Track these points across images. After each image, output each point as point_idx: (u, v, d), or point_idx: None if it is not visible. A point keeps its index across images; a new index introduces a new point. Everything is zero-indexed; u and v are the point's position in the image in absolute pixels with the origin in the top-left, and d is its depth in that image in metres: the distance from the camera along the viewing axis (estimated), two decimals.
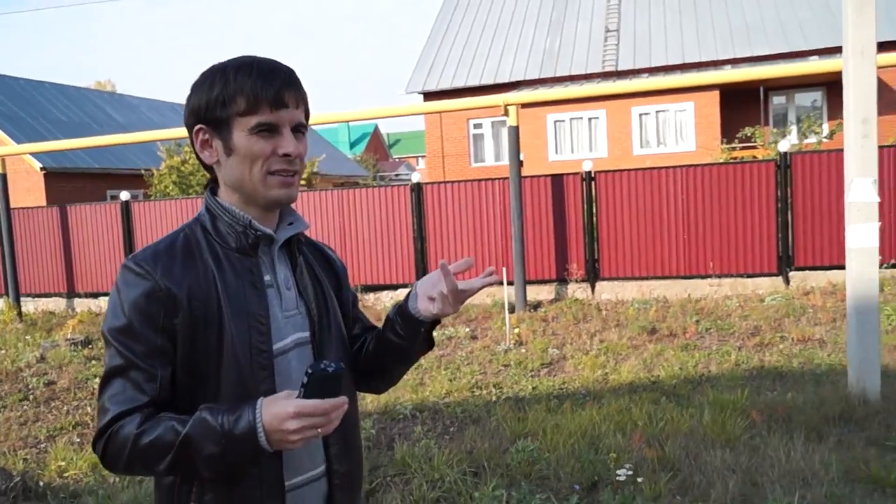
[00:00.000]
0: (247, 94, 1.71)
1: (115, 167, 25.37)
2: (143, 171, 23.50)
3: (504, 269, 10.18)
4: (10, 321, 14.25)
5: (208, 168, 1.87)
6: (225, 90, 1.73)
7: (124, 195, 15.23)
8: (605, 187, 12.78)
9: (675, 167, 12.69)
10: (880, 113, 21.50)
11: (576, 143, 22.54)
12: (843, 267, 11.14)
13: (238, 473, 1.72)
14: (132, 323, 1.68)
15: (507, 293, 12.74)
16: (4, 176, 14.59)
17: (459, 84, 23.77)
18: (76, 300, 15.61)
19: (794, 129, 22.18)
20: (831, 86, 22.27)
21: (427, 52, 25.45)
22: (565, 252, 12.98)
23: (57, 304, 15.78)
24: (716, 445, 5.97)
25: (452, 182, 13.63)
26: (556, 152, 22.53)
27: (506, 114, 12.33)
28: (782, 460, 5.62)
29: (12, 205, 18.93)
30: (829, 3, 22.44)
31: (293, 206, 1.92)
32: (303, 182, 23.08)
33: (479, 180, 13.59)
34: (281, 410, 1.55)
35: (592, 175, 12.85)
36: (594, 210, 12.82)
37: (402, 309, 1.95)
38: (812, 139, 19.95)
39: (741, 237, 12.31)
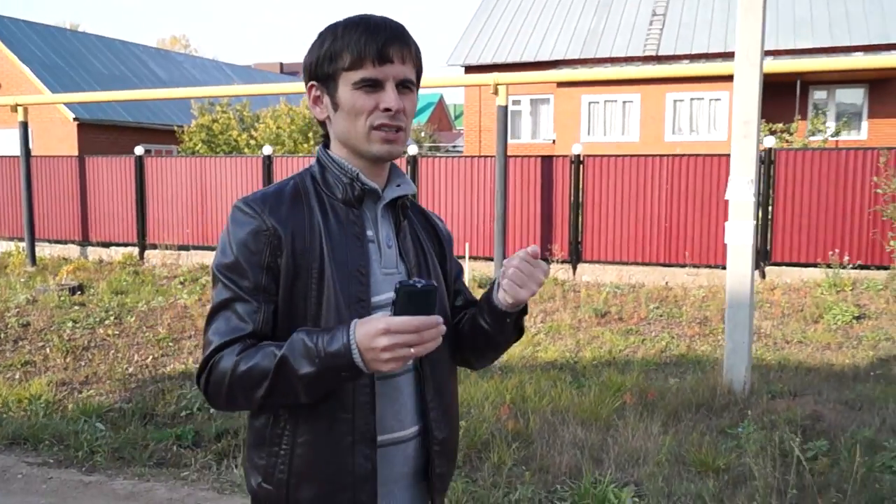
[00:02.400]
0: (351, 49, 1.74)
1: (150, 121, 26.06)
2: (175, 128, 24.28)
3: (467, 245, 10.58)
4: (20, 265, 15.05)
5: (322, 124, 1.92)
6: (333, 46, 1.77)
7: (138, 150, 15.89)
8: (593, 171, 13.03)
9: (661, 156, 12.88)
10: None
11: (609, 125, 22.64)
12: (817, 265, 11.31)
13: (334, 405, 1.76)
14: (239, 260, 1.74)
15: (477, 268, 13.14)
16: (26, 124, 15.27)
17: (500, 60, 24.00)
18: (89, 248, 16.38)
19: (832, 124, 21.92)
20: (874, 83, 21.90)
21: (473, 26, 25.71)
22: (550, 232, 13.29)
23: (71, 251, 16.56)
24: (578, 423, 6.32)
25: (446, 156, 14.03)
26: (589, 133, 22.67)
27: (496, 93, 12.65)
28: (629, 439, 5.97)
29: (45, 152, 19.94)
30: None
31: (402, 169, 2.04)
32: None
33: (473, 157, 13.97)
34: (371, 328, 1.57)
35: (581, 158, 13.11)
36: (581, 193, 13.09)
37: (487, 298, 1.93)
38: (844, 135, 19.71)
39: (721, 229, 12.43)
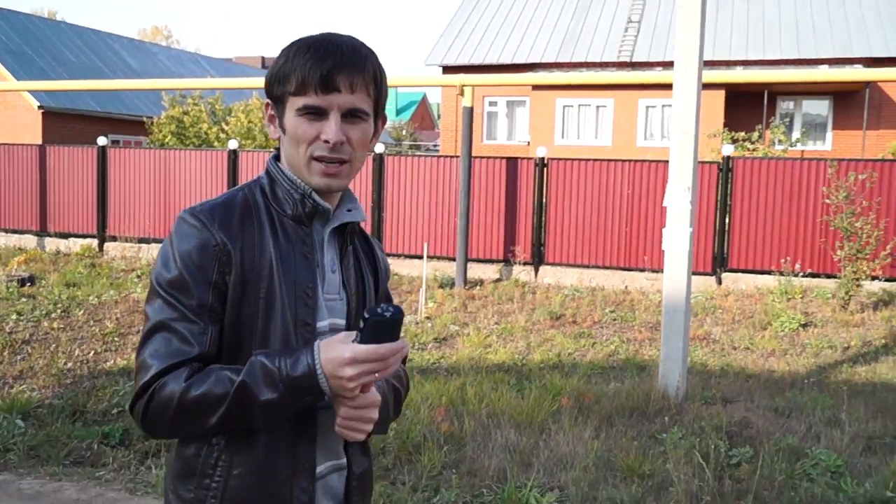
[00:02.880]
0: (297, 74, 1.68)
1: (120, 112, 25.90)
2: (144, 119, 24.26)
3: (425, 245, 10.68)
4: None
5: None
6: (283, 68, 1.71)
7: (101, 140, 15.80)
8: (557, 174, 13.17)
9: (623, 161, 13.06)
10: (883, 126, 21.45)
11: (582, 129, 22.81)
12: (771, 272, 11.48)
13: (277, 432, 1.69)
14: (184, 275, 1.64)
15: (440, 268, 13.25)
16: None
17: (478, 61, 24.13)
18: (47, 239, 16.20)
19: (798, 134, 22.22)
20: (839, 95, 22.21)
21: (452, 27, 25.83)
22: (513, 234, 13.42)
23: (28, 241, 16.37)
24: (513, 426, 6.41)
25: (413, 156, 14.15)
26: (563, 137, 22.85)
27: (461, 94, 12.78)
28: (560, 444, 6.08)
29: (9, 140, 19.63)
30: (846, 12, 22.28)
31: (368, 168, 2.05)
32: None
33: (439, 156, 14.10)
34: (337, 356, 1.54)
35: (546, 161, 13.24)
36: (544, 195, 13.22)
37: None
38: (810, 146, 19.98)
39: None
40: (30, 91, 22.21)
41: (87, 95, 24.76)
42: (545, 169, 13.25)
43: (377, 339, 1.55)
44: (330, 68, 1.66)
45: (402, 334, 1.61)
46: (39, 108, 23.62)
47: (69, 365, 8.10)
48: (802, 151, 22.21)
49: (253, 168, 14.71)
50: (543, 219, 13.29)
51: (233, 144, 15.03)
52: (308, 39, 1.73)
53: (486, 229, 13.52)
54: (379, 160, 13.99)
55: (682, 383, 6.82)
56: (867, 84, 21.09)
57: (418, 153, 32.16)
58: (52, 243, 16.14)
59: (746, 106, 21.89)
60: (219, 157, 15.08)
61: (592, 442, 6.03)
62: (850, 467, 5.66)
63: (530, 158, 13.43)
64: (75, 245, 15.81)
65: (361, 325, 1.55)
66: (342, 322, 1.82)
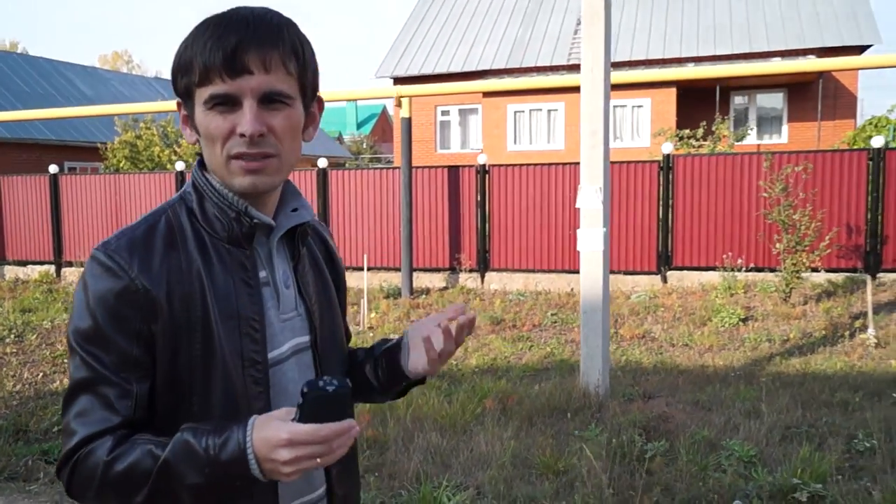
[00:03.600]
0: (198, 59, 1.41)
1: (74, 139, 25.84)
2: (98, 145, 24.09)
3: (365, 256, 10.62)
4: None
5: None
6: (184, 54, 1.44)
7: (52, 168, 15.90)
8: (498, 181, 13.14)
9: (562, 164, 13.03)
10: (839, 117, 21.59)
11: (535, 134, 22.85)
12: (715, 268, 11.50)
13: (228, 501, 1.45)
14: (100, 327, 1.42)
15: (387, 279, 13.19)
16: None
17: (428, 70, 24.12)
18: (6, 267, 16.29)
19: (753, 129, 22.38)
20: (793, 87, 22.36)
21: (402, 38, 25.82)
22: (458, 241, 13.37)
23: None
24: (437, 429, 6.38)
25: (355, 169, 14.10)
26: (515, 143, 22.86)
27: (398, 105, 12.75)
28: (480, 444, 6.04)
29: None
30: (798, 4, 22.46)
31: (312, 183, 1.78)
32: None
33: (383, 168, 14.03)
34: (273, 435, 1.30)
35: (487, 168, 13.22)
36: (487, 202, 13.20)
37: (390, 357, 1.73)
38: (766, 139, 20.06)
39: (624, 235, 12.62)
40: None
41: (40, 124, 24.65)
42: (486, 176, 13.22)
43: (319, 418, 1.31)
44: (234, 45, 1.39)
45: (352, 411, 1.38)
46: None
47: (18, 387, 8.17)
48: (759, 146, 22.38)
49: None
50: (487, 225, 13.26)
51: (180, 166, 15.04)
52: (211, 17, 1.46)
53: (432, 238, 13.47)
54: (322, 175, 13.92)
55: (603, 381, 6.79)
56: (820, 75, 21.22)
57: (376, 166, 32.14)
58: (10, 271, 16.22)
59: (699, 103, 21.98)
60: (167, 179, 15.05)
61: (510, 442, 5.98)
62: (765, 457, 5.65)
63: (471, 166, 13.40)
64: (33, 272, 15.92)
65: (300, 400, 1.32)
66: (305, 339, 1.62)
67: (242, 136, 1.42)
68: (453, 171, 13.43)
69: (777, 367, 8.22)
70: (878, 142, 11.51)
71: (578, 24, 24.37)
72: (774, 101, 22.97)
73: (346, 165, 34.16)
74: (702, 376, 7.95)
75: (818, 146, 21.16)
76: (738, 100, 23.06)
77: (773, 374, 7.94)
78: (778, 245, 10.79)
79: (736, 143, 21.32)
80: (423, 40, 25.47)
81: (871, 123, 19.07)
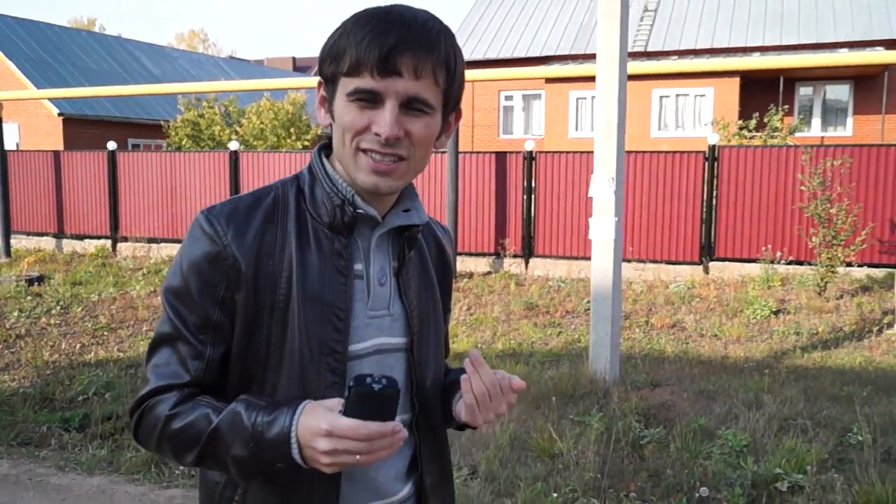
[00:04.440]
0: (352, 51, 1.42)
1: (138, 116, 26.43)
2: (161, 123, 24.76)
3: None
4: None
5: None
6: (338, 43, 1.45)
7: (111, 145, 16.37)
8: (545, 167, 13.30)
9: None
10: None
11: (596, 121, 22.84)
12: (757, 260, 11.51)
13: (281, 478, 1.49)
14: (189, 287, 1.48)
15: None
16: (0, 120, 15.46)
17: (493, 55, 24.28)
18: (64, 241, 16.85)
19: (809, 121, 22.03)
20: (860, 80, 21.92)
21: (468, 22, 26.03)
22: (504, 227, 13.59)
23: (47, 243, 17.04)
24: None
25: None
26: (577, 129, 22.90)
27: None
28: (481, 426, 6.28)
29: (33, 147, 20.37)
30: None
31: (413, 187, 1.63)
32: (307, 143, 24.14)
33: (434, 152, 14.27)
34: (315, 424, 1.32)
35: (534, 155, 13.39)
36: (533, 189, 13.38)
37: (446, 397, 1.68)
38: (831, 132, 19.75)
39: (667, 225, 12.68)
40: (49, 99, 22.85)
41: (106, 101, 25.31)
42: (533, 162, 13.39)
43: (363, 415, 1.29)
44: (391, 46, 1.39)
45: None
46: (59, 114, 24.24)
47: (55, 357, 8.52)
48: (822, 138, 22.03)
49: (253, 169, 15.07)
50: (533, 211, 13.43)
51: (234, 146, 15.39)
52: (372, 10, 1.45)
53: (477, 223, 13.70)
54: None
55: (612, 368, 6.97)
56: (886, 67, 20.78)
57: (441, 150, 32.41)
58: (69, 245, 16.75)
59: (763, 93, 21.72)
60: (221, 159, 15.46)
61: (510, 425, 6.22)
62: (757, 446, 5.78)
63: (519, 152, 13.58)
64: (90, 246, 16.37)
65: (347, 393, 1.30)
66: (395, 341, 1.59)
67: (377, 135, 1.42)
68: (500, 156, 13.64)
69: (797, 360, 8.28)
70: None
71: (645, 10, 24.27)
72: (840, 92, 22.57)
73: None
74: (719, 366, 8.05)
75: (882, 139, 20.75)
76: (803, 90, 22.70)
77: (791, 366, 8.00)
78: (814, 239, 10.75)
79: (797, 135, 21.04)
80: (489, 25, 25.62)
81: None
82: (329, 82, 1.49)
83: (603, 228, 6.77)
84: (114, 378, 7.56)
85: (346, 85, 1.44)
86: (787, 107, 18.20)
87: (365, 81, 1.41)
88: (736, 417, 6.36)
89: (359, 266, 1.55)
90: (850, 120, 22.17)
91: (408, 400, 1.63)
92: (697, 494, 5.00)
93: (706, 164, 12.51)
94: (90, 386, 7.18)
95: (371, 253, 1.56)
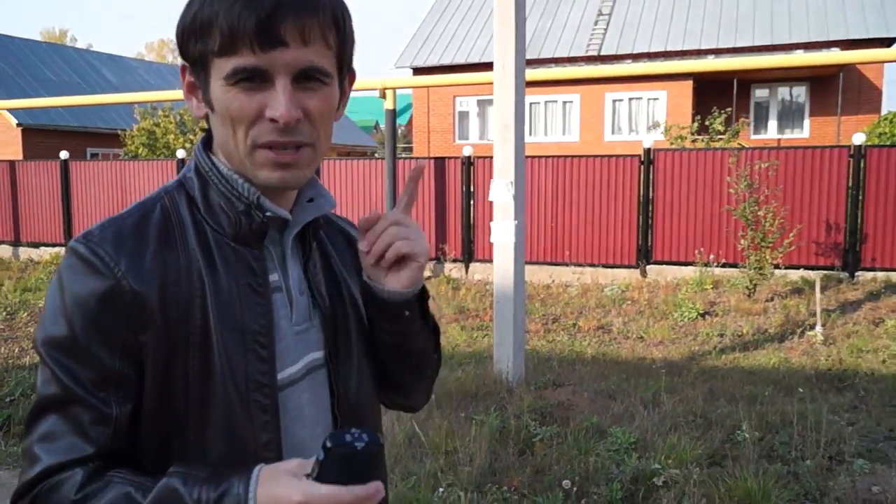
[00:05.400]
0: (221, 22, 1.16)
1: (96, 126, 26.66)
2: (119, 132, 24.80)
3: None
4: None
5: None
6: (201, 13, 1.19)
7: (63, 154, 16.55)
8: (483, 172, 13.35)
9: (547, 157, 13.20)
10: (863, 111, 21.26)
11: (550, 126, 22.97)
12: (693, 263, 11.60)
13: None
14: (77, 336, 1.18)
15: None
16: None
17: (448, 61, 24.34)
18: (21, 248, 16.99)
19: (774, 122, 22.22)
20: (815, 81, 22.14)
21: (423, 28, 26.08)
22: (444, 232, 13.62)
23: (5, 250, 17.18)
24: None
25: (340, 159, 14.42)
26: (531, 134, 22.98)
27: (383, 96, 13.00)
28: (384, 425, 6.30)
29: None
30: None
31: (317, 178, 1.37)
32: None
33: (370, 159, 14.32)
34: (284, 495, 1.07)
35: (472, 159, 13.43)
36: (472, 193, 13.42)
37: (369, 293, 1.39)
38: (788, 134, 19.90)
39: (605, 228, 12.76)
40: (8, 109, 22.87)
41: (63, 111, 25.47)
42: (471, 167, 13.43)
43: (343, 479, 1.07)
44: (270, 10, 1.14)
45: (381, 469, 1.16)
46: (18, 125, 24.45)
47: None
48: (779, 140, 22.22)
49: None
50: (472, 216, 13.47)
51: (181, 154, 15.56)
52: None
53: None
54: None
55: (515, 368, 7.00)
56: (842, 68, 20.97)
57: (403, 156, 32.46)
58: (24, 252, 16.93)
59: (718, 96, 21.87)
60: (168, 167, 15.59)
61: (410, 422, 6.24)
62: (647, 444, 5.83)
63: (457, 157, 13.62)
64: (45, 253, 16.57)
65: (320, 455, 1.07)
66: (319, 355, 1.37)
67: (273, 121, 1.19)
68: (439, 162, 13.68)
69: (712, 361, 8.35)
70: (858, 139, 11.49)
71: (599, 14, 24.41)
72: (796, 94, 22.77)
73: (376, 155, 34.52)
74: (632, 368, 8.11)
75: (838, 141, 20.94)
76: (759, 93, 22.90)
77: (704, 367, 8.07)
78: (742, 241, 10.85)
79: (753, 137, 21.22)
80: (444, 31, 25.69)
81: (886, 119, 18.82)
82: (197, 65, 1.23)
83: (503, 232, 6.81)
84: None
85: (222, 67, 1.18)
86: (729, 109, 18.30)
87: (245, 59, 1.16)
88: (632, 416, 6.40)
89: (275, 277, 1.32)
90: (806, 122, 22.37)
91: (329, 415, 1.38)
92: (561, 488, 5.03)
93: (642, 167, 12.60)
94: (17, 387, 7.30)
95: (287, 258, 1.34)
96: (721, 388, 7.19)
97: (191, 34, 1.21)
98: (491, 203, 13.13)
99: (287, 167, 1.22)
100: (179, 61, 1.30)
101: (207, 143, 1.33)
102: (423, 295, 1.42)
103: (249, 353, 1.24)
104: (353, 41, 1.29)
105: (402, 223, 1.32)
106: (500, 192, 6.77)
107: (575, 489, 5.09)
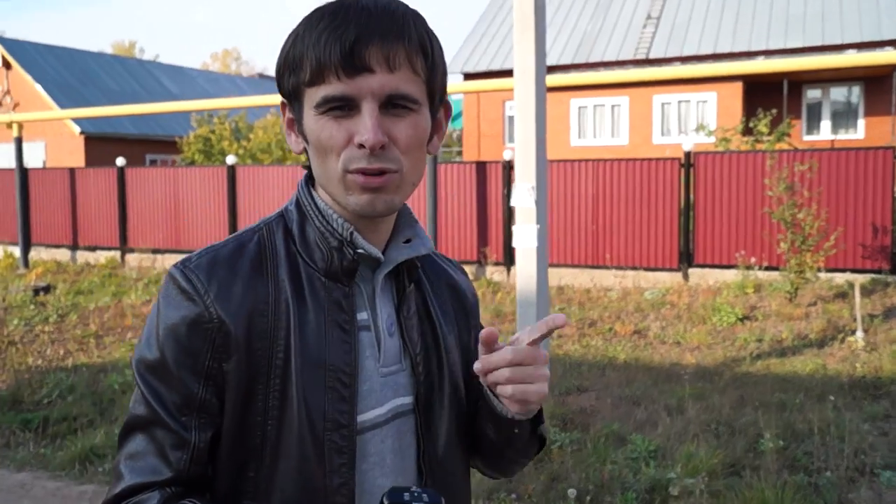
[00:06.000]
0: (310, 54, 1.20)
1: (155, 133, 27.41)
2: (176, 139, 25.32)
3: None
4: (10, 267, 16.21)
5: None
6: (293, 50, 1.23)
7: (119, 161, 16.98)
8: None
9: (586, 160, 13.11)
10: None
11: (598, 128, 22.83)
12: (736, 267, 11.44)
13: None
14: (166, 360, 1.22)
15: None
16: (20, 139, 16.47)
17: (497, 66, 24.30)
18: (78, 252, 17.40)
19: (828, 123, 21.79)
20: (870, 81, 21.65)
21: (474, 33, 26.10)
22: (485, 236, 13.62)
23: (64, 254, 17.62)
24: None
25: None
26: (579, 137, 22.88)
27: None
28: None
29: (57, 164, 21.32)
30: None
31: (414, 214, 1.39)
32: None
33: None
34: None
35: (511, 164, 13.40)
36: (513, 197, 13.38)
37: (486, 403, 1.37)
38: (842, 135, 19.47)
39: (646, 232, 12.63)
40: (72, 118, 23.63)
41: (125, 120, 26.30)
42: (511, 171, 13.40)
43: None
44: (354, 39, 1.17)
45: None
46: (81, 133, 25.28)
47: (38, 362, 8.87)
48: (833, 141, 21.76)
49: (249, 182, 15.35)
50: (512, 220, 13.42)
51: (230, 160, 15.74)
52: (324, 6, 1.24)
53: (460, 231, 13.75)
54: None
55: None
56: (895, 67, 20.47)
57: (455, 160, 32.51)
58: (82, 256, 17.32)
59: (769, 97, 21.51)
60: (219, 173, 15.82)
61: None
62: (665, 452, 5.77)
63: (497, 162, 13.62)
64: (101, 257, 16.95)
65: None
66: (408, 400, 1.34)
67: (361, 146, 1.19)
68: (480, 166, 13.68)
69: (746, 367, 8.21)
70: None
71: (648, 17, 24.17)
72: (850, 94, 22.30)
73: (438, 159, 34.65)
74: (664, 374, 8.01)
75: (892, 142, 20.44)
76: (811, 93, 22.47)
77: (739, 373, 7.95)
78: (782, 244, 10.65)
79: (805, 139, 20.83)
80: (495, 36, 25.67)
81: None
82: (293, 99, 1.27)
83: (526, 236, 6.79)
84: (77, 382, 7.88)
85: (312, 96, 1.22)
86: (774, 111, 17.98)
87: (333, 87, 1.19)
88: (655, 423, 6.34)
89: (363, 315, 1.31)
90: (861, 122, 21.89)
91: (414, 466, 1.35)
92: (567, 496, 5.00)
93: (682, 170, 12.45)
94: (55, 389, 7.55)
95: (377, 297, 1.33)
96: (751, 395, 7.07)
97: (285, 70, 1.25)
98: (546, 203, 13.14)
99: (375, 191, 1.22)
100: (280, 99, 1.34)
101: (310, 178, 1.35)
102: (537, 418, 1.41)
103: (329, 391, 1.24)
104: (444, 70, 1.30)
105: (523, 363, 1.23)
106: (522, 196, 6.76)
107: (588, 497, 5.05)
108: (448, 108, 1.36)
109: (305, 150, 1.30)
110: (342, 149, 1.21)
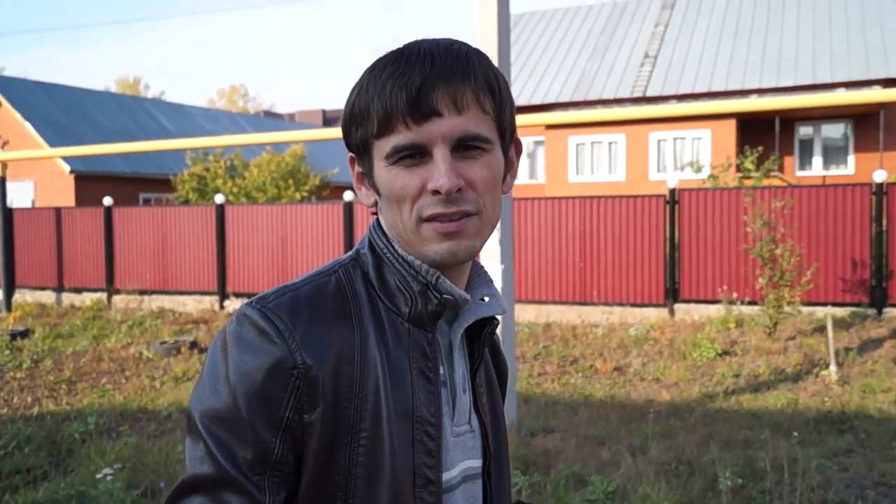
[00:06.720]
0: (377, 104, 1.16)
1: (149, 171, 27.06)
2: (170, 177, 25.37)
3: None
4: None
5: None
6: (359, 102, 1.20)
7: (106, 200, 16.87)
8: (521, 213, 13.44)
9: (573, 198, 13.26)
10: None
11: (596, 165, 23.02)
12: (720, 302, 11.55)
13: None
14: (239, 409, 1.10)
15: None
16: (3, 179, 15.97)
17: None
18: (63, 294, 17.24)
19: (819, 159, 21.96)
20: (859, 118, 21.87)
21: None
22: None
23: (49, 296, 17.43)
24: None
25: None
26: (577, 173, 23.08)
27: None
28: None
29: (46, 204, 21.08)
30: (865, 34, 21.99)
31: (485, 271, 1.35)
32: (306, 193, 24.58)
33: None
34: None
35: (510, 200, 13.56)
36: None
37: None
38: (833, 170, 19.60)
39: (632, 268, 12.75)
40: (62, 157, 23.52)
41: (117, 158, 25.97)
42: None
43: None
44: (419, 84, 1.13)
45: None
46: (71, 172, 24.87)
47: (3, 411, 8.72)
48: (824, 177, 21.93)
49: (239, 221, 15.43)
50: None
51: (219, 199, 15.77)
52: (386, 55, 1.20)
53: None
54: (349, 209, 14.52)
55: (507, 414, 7.05)
56: (883, 106, 20.70)
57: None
58: (67, 298, 17.13)
59: (762, 134, 21.74)
60: (208, 212, 15.85)
61: None
62: (625, 494, 5.83)
63: None
64: (87, 299, 16.74)
65: None
66: (477, 464, 1.29)
67: (436, 192, 1.15)
68: None
69: (718, 403, 8.27)
70: (879, 176, 11.36)
71: (646, 56, 24.45)
72: (840, 131, 22.58)
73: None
74: (635, 411, 8.08)
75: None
76: (803, 130, 22.73)
77: (710, 409, 8.01)
78: (760, 280, 10.77)
79: (798, 174, 20.99)
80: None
81: None
82: (361, 152, 1.23)
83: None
84: (36, 432, 7.76)
85: (382, 147, 1.17)
86: (761, 148, 18.18)
87: (402, 136, 1.15)
88: (618, 463, 6.40)
89: (441, 370, 1.24)
90: (851, 158, 22.09)
91: None
92: None
93: (667, 207, 12.59)
94: (12, 440, 7.36)
95: (454, 352, 1.26)
96: (719, 432, 7.12)
97: (351, 123, 1.22)
98: (534, 241, 13.29)
99: (453, 236, 1.17)
100: (347, 151, 1.31)
101: (380, 225, 1.29)
102: None
103: (417, 444, 1.17)
104: (511, 106, 1.26)
105: None
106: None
107: None
108: (518, 144, 1.33)
109: (376, 204, 1.27)
110: (416, 198, 1.16)
